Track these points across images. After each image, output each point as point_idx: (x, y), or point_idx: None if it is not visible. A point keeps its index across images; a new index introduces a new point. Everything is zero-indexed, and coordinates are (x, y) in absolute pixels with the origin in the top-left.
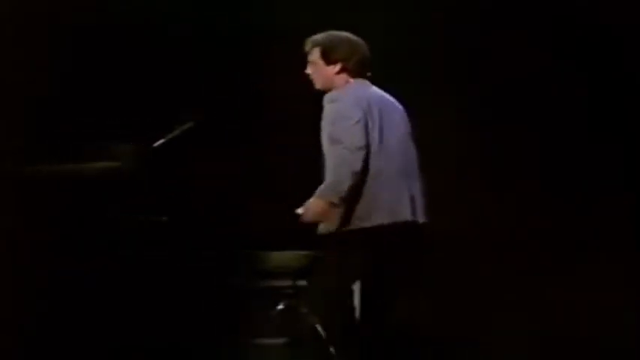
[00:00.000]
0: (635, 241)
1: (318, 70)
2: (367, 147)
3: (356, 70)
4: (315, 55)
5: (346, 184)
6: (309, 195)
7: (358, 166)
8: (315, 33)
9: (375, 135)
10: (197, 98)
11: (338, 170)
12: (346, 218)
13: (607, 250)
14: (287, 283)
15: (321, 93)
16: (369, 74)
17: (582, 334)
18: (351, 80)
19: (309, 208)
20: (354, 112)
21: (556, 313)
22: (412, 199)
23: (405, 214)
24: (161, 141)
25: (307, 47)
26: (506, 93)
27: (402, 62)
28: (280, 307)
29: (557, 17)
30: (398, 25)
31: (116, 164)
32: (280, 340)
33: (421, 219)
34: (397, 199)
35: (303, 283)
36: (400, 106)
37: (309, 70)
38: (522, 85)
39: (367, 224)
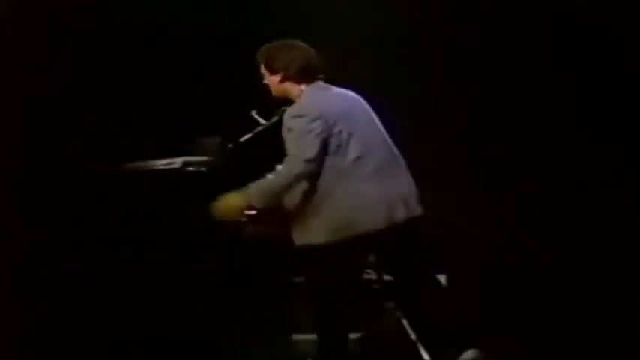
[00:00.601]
0: (635, 241)
1: (268, 81)
2: (317, 160)
3: (299, 76)
4: (262, 67)
5: (275, 194)
6: None
7: (301, 179)
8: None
9: (346, 141)
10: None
11: (279, 179)
12: (333, 229)
13: (607, 250)
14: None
15: None
16: (320, 76)
17: (581, 334)
18: (303, 87)
19: (225, 202)
20: (313, 126)
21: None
22: (402, 195)
23: (399, 214)
24: (248, 136)
25: (258, 60)
26: (506, 93)
27: (402, 62)
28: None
29: (557, 17)
30: (398, 24)
31: (207, 159)
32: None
33: (415, 212)
34: (386, 201)
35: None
36: (359, 98)
37: (265, 81)
38: (522, 86)
39: (358, 230)
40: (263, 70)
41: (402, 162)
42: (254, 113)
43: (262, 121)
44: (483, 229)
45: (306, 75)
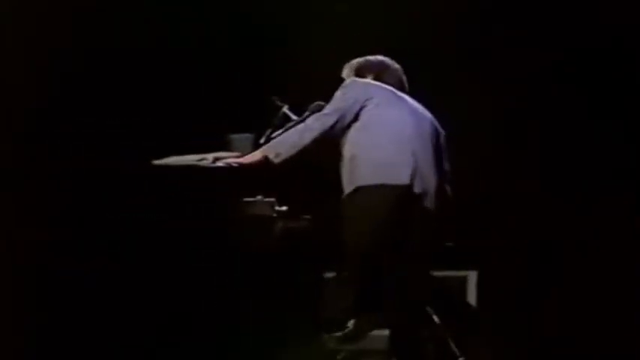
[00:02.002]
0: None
1: None
2: (338, 116)
3: (388, 82)
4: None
5: (287, 144)
6: None
7: (315, 131)
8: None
9: (376, 111)
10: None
11: (294, 130)
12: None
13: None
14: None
15: None
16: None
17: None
18: None
19: (247, 156)
20: (350, 91)
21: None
22: (414, 169)
23: (401, 178)
24: (279, 131)
25: (345, 74)
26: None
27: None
28: None
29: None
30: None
31: (238, 155)
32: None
33: (418, 189)
34: (392, 164)
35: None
36: (433, 121)
37: None
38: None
39: (360, 183)
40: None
41: (438, 160)
42: (285, 109)
43: (294, 117)
44: (484, 229)
45: (394, 82)
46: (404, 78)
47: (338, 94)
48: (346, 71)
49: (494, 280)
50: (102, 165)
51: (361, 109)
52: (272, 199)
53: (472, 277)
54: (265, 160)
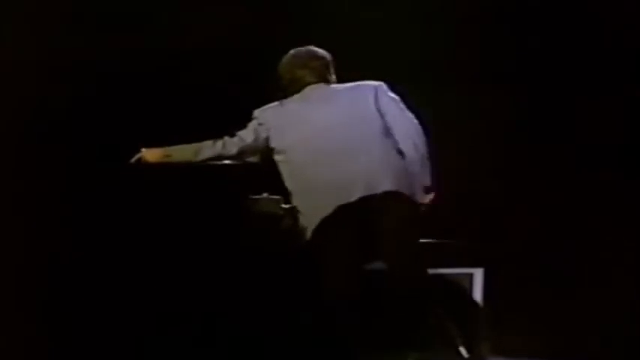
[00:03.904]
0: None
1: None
2: (239, 156)
3: (295, 87)
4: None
5: (184, 157)
6: None
7: (208, 156)
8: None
9: (282, 138)
10: None
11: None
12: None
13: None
14: None
15: None
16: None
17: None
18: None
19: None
20: (249, 126)
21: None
22: (361, 175)
23: (356, 192)
24: None
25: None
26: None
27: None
28: None
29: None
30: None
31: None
32: None
33: (380, 189)
34: (339, 184)
35: None
36: (361, 94)
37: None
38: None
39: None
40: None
41: (374, 146)
42: None
43: None
44: (489, 229)
45: (300, 83)
46: (316, 71)
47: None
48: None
49: (500, 277)
50: (104, 164)
51: (268, 140)
52: (278, 197)
53: (478, 274)
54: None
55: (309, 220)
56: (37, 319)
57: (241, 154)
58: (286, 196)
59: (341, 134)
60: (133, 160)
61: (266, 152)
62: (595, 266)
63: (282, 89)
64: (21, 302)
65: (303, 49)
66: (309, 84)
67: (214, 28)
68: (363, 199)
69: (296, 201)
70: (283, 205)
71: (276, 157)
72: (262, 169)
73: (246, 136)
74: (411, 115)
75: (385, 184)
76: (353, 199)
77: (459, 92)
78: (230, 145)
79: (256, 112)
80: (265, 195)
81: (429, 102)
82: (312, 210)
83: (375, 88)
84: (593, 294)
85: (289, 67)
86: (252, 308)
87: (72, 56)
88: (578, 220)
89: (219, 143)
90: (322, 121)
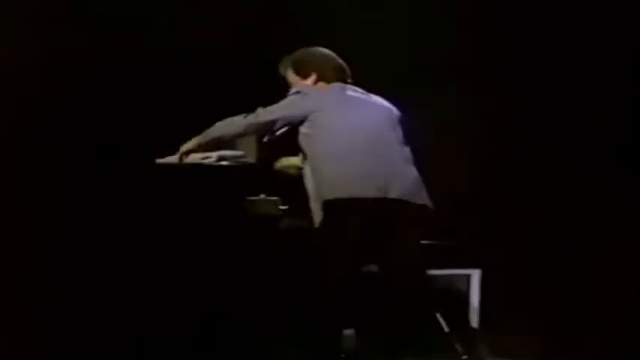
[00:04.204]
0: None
1: (297, 86)
2: (270, 126)
3: (333, 76)
4: (290, 75)
5: (216, 133)
6: None
7: (240, 128)
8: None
9: (328, 120)
10: None
11: (226, 121)
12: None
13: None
14: None
15: None
16: (349, 80)
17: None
18: (329, 85)
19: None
20: (295, 101)
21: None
22: (379, 178)
23: (368, 191)
24: (282, 130)
25: (282, 71)
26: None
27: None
28: None
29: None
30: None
31: (241, 153)
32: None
33: (393, 195)
34: (354, 178)
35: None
36: (388, 107)
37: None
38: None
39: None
40: (292, 77)
41: (403, 160)
42: None
43: None
44: (489, 228)
45: (338, 75)
46: (347, 71)
47: (283, 101)
48: (283, 68)
49: (497, 278)
50: (104, 164)
51: (307, 118)
52: (276, 198)
53: (475, 275)
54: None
55: (326, 191)
56: (37, 319)
57: (271, 124)
58: (284, 197)
59: (374, 132)
60: (177, 158)
61: (294, 125)
62: (595, 266)
63: (293, 81)
64: (21, 302)
65: (324, 49)
66: (340, 80)
67: (214, 28)
68: (380, 201)
69: (318, 171)
70: (281, 207)
71: (309, 130)
72: (259, 170)
73: (286, 107)
74: None
75: (401, 190)
76: (370, 195)
77: (459, 92)
78: (264, 114)
79: (299, 89)
80: (263, 196)
81: (429, 102)
82: (331, 185)
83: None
84: (593, 294)
85: (322, 58)
86: (250, 309)
87: (72, 56)
88: (578, 220)
89: (251, 115)
90: (360, 116)
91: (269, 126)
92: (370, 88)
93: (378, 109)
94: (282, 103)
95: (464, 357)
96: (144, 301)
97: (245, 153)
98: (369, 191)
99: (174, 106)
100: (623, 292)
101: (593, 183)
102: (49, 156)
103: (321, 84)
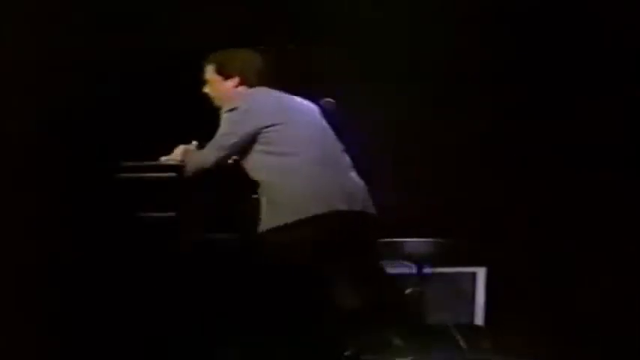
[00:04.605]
0: None
1: (217, 86)
2: (227, 157)
3: (256, 80)
4: (211, 73)
5: (191, 169)
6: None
7: (211, 159)
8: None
9: (281, 134)
10: None
11: (196, 157)
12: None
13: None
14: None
15: None
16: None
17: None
18: (251, 90)
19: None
20: (241, 121)
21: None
22: (343, 189)
23: (337, 204)
24: None
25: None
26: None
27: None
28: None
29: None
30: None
31: None
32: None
33: (357, 207)
34: (321, 190)
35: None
36: (313, 105)
37: (206, 89)
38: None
39: (290, 219)
40: (211, 75)
41: (347, 162)
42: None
43: None
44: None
45: (262, 80)
46: (271, 75)
47: (227, 123)
48: (209, 71)
49: (502, 276)
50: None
51: (257, 136)
52: None
53: (481, 273)
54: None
55: (281, 212)
56: (37, 319)
57: (235, 147)
58: None
59: (321, 141)
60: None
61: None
62: (595, 266)
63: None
64: (21, 302)
65: (250, 50)
66: (262, 84)
67: (214, 28)
68: (343, 214)
69: (273, 192)
70: None
71: (260, 147)
72: None
73: (237, 123)
74: None
75: (364, 201)
76: (329, 209)
77: (459, 92)
78: (224, 144)
79: (233, 106)
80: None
81: (429, 102)
82: (290, 205)
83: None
84: (593, 294)
85: (246, 61)
86: (250, 310)
87: (72, 56)
88: (578, 220)
89: (211, 152)
90: (304, 123)
91: (235, 150)
92: (370, 88)
93: (313, 111)
94: (228, 124)
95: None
96: (143, 300)
97: None
98: (341, 205)
99: (174, 106)
100: (623, 291)
101: (594, 182)
102: (48, 156)
103: (242, 88)
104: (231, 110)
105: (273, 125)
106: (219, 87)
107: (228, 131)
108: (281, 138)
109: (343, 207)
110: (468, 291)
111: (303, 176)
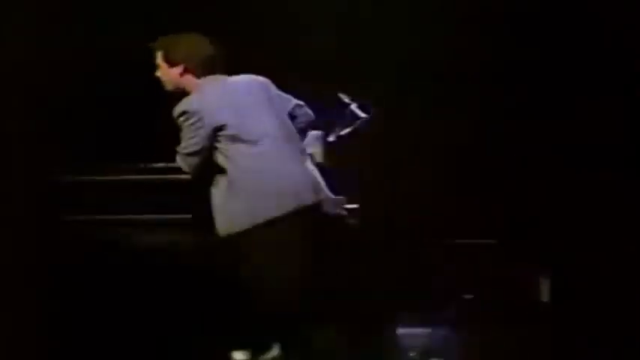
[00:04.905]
0: None
1: (164, 73)
2: (201, 151)
3: (200, 69)
4: (159, 58)
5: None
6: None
7: (187, 168)
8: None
9: (242, 130)
10: None
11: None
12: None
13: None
14: None
15: None
16: (220, 71)
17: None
18: (200, 81)
19: None
20: (193, 121)
21: None
22: (304, 180)
23: (306, 198)
24: (348, 129)
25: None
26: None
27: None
28: None
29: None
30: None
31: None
32: None
33: (319, 199)
34: (288, 185)
35: None
36: (254, 82)
37: (158, 74)
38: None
39: (267, 216)
40: (160, 61)
41: (299, 148)
42: (353, 107)
43: (362, 114)
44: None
45: (207, 69)
46: (218, 62)
47: (186, 130)
48: (158, 56)
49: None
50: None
51: (215, 135)
52: (341, 197)
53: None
54: None
55: (244, 213)
56: (37, 319)
57: (204, 151)
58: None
59: (273, 133)
60: None
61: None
62: (594, 266)
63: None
64: (21, 302)
65: (198, 36)
66: (208, 73)
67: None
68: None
69: (233, 194)
70: (346, 206)
71: (222, 145)
72: (325, 170)
73: (196, 130)
74: None
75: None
76: (292, 208)
77: (459, 92)
78: (191, 152)
79: (184, 109)
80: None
81: (429, 102)
82: (252, 205)
83: (265, 84)
84: (593, 294)
85: (191, 49)
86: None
87: (72, 56)
88: (578, 220)
89: (184, 161)
90: (255, 116)
91: (205, 154)
92: (370, 88)
93: (257, 88)
94: (189, 130)
95: None
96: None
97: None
98: (306, 198)
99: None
100: (623, 291)
101: (594, 182)
102: (48, 156)
103: (188, 76)
104: (183, 114)
105: (227, 123)
106: (166, 73)
107: (191, 136)
108: (240, 132)
109: (309, 200)
110: None
111: (271, 168)
